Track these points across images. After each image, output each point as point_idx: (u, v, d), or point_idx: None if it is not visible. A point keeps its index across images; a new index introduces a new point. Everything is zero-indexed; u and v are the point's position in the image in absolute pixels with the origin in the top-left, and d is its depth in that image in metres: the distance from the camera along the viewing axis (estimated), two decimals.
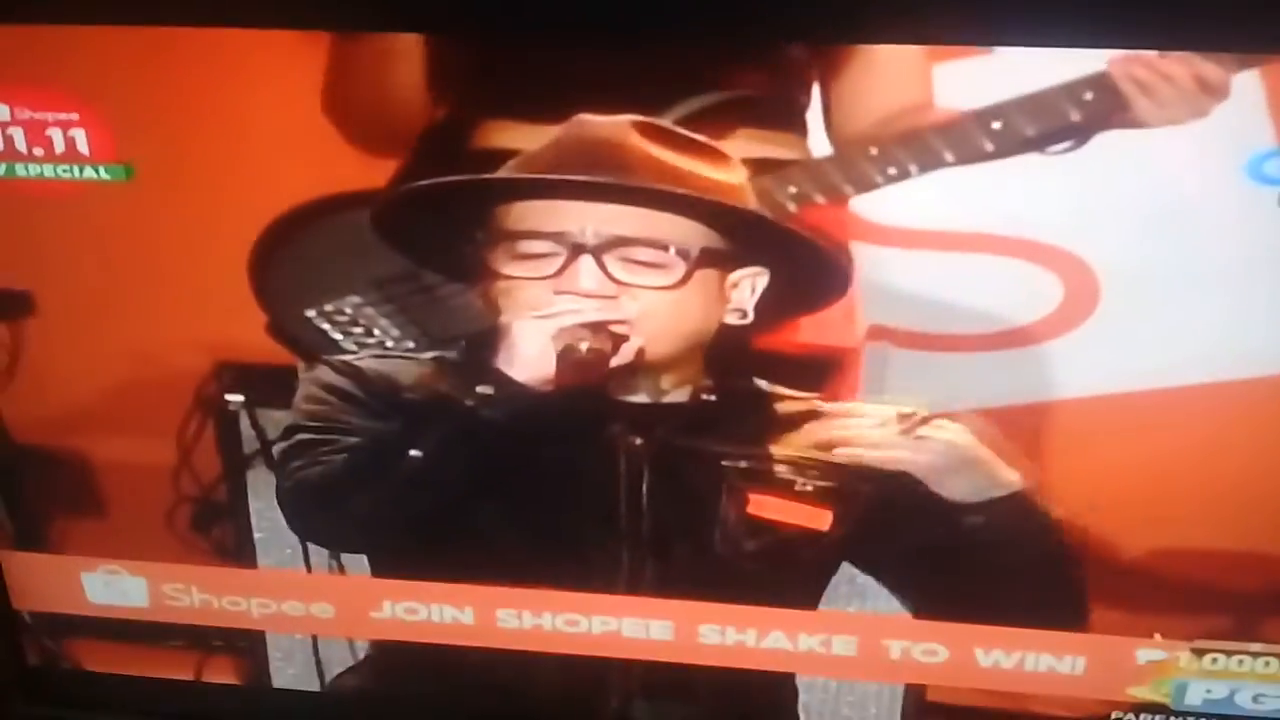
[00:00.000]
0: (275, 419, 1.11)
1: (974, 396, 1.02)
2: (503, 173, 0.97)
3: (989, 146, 0.93)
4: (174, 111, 0.97)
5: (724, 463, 1.03)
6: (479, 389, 0.97)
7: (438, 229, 1.00)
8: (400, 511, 1.03)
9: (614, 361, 0.96)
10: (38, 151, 0.99)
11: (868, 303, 1.01)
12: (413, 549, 1.10)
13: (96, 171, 1.00)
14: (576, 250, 0.95)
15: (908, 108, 0.94)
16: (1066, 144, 0.92)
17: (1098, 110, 0.90)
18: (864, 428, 0.99)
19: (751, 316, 1.01)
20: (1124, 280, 0.97)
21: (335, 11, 0.93)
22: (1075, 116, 0.91)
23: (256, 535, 1.17)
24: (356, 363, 1.05)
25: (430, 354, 1.06)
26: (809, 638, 1.11)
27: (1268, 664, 1.07)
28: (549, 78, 0.96)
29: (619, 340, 0.96)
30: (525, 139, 0.98)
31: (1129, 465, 1.02)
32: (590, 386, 0.98)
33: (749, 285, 1.01)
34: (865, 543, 1.06)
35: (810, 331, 1.03)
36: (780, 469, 1.04)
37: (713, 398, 1.03)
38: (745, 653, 1.11)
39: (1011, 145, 0.93)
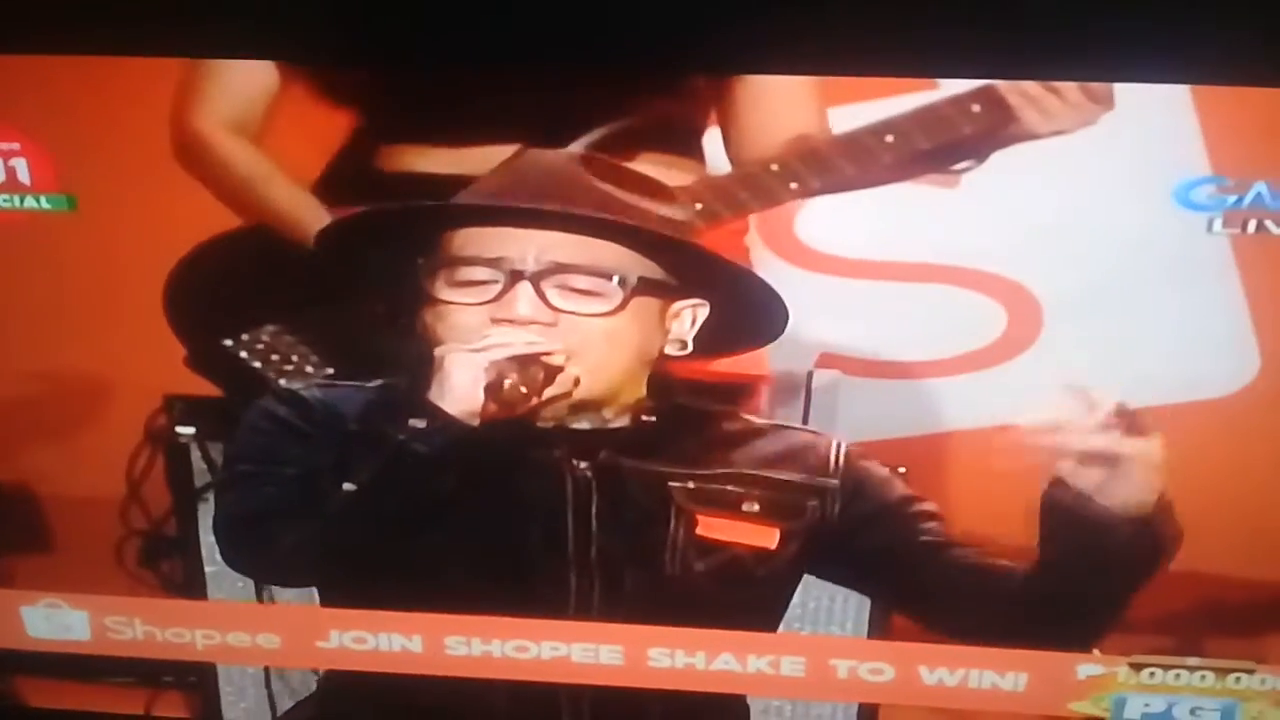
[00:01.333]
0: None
1: (925, 422, 1.04)
2: (451, 199, 0.98)
3: (887, 160, 0.95)
4: (116, 142, 0.98)
5: (670, 484, 1.03)
6: (411, 422, 0.96)
7: (381, 253, 1.00)
8: (337, 544, 1.01)
9: (549, 392, 0.96)
10: None
11: (819, 331, 1.03)
12: (361, 580, 1.09)
13: (38, 201, 1.00)
14: (515, 277, 0.95)
15: (804, 131, 0.97)
16: (968, 162, 0.95)
17: (987, 122, 0.93)
18: (1083, 424, 0.93)
19: (691, 347, 1.02)
20: (1064, 307, 0.99)
21: (277, 44, 0.94)
22: (966, 129, 0.93)
23: (208, 569, 1.16)
24: (302, 392, 1.03)
25: (375, 383, 1.05)
26: (758, 659, 1.11)
27: (1204, 678, 1.10)
28: (466, 106, 0.99)
29: (553, 371, 0.96)
30: (437, 163, 1.01)
31: None
32: (523, 418, 0.97)
33: (689, 316, 1.01)
34: (821, 557, 1.06)
35: (751, 360, 1.06)
36: (727, 488, 1.04)
37: (654, 419, 1.03)
38: (695, 675, 1.12)
39: (911, 161, 0.95)
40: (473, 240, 0.97)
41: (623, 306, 0.97)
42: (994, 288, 1.00)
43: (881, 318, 1.02)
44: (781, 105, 0.96)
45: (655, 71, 0.96)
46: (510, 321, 0.96)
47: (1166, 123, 0.92)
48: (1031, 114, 0.92)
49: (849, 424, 1.05)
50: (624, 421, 1.03)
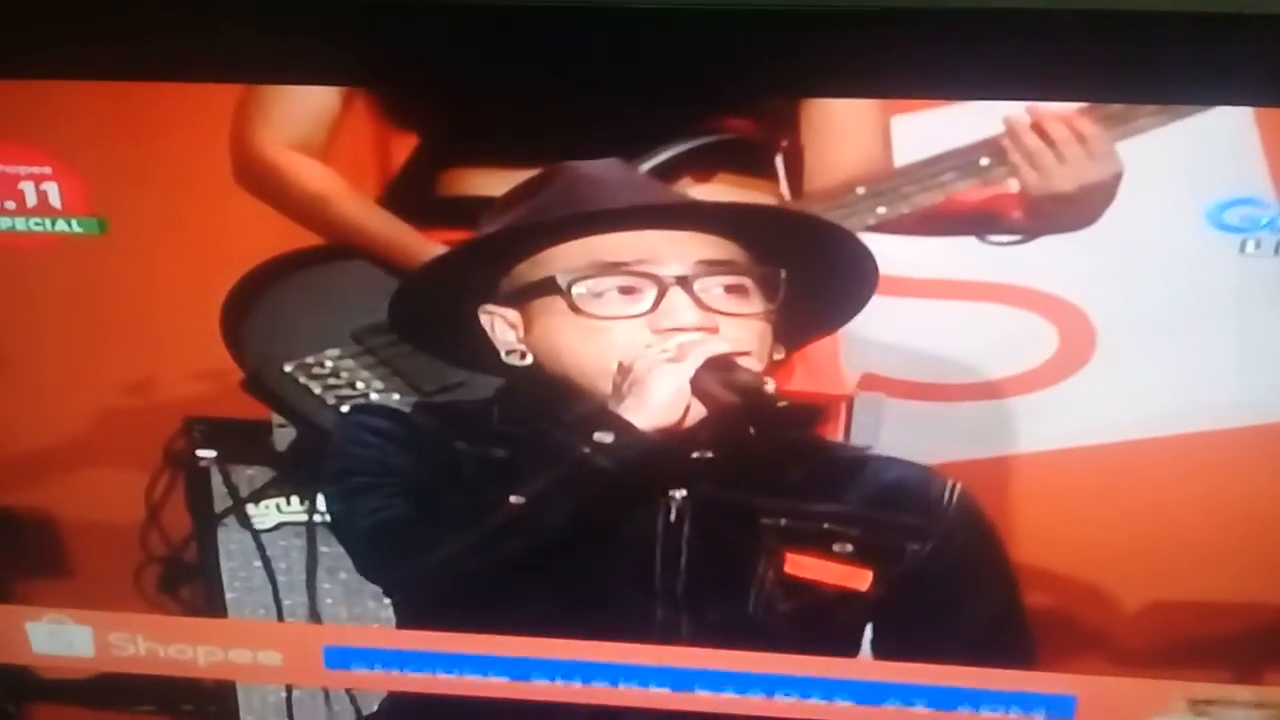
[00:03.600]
0: (248, 475, 1.09)
1: (969, 447, 1.02)
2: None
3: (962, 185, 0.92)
4: (148, 165, 0.95)
5: (763, 519, 0.99)
6: (597, 436, 0.92)
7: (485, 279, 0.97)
8: (489, 557, 0.96)
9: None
10: (9, 205, 0.97)
11: (861, 351, 1.00)
12: (453, 597, 1.04)
13: (69, 225, 0.98)
14: (666, 282, 0.91)
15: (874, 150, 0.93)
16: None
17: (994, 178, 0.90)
18: None
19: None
20: (1120, 326, 0.97)
21: (315, 68, 0.91)
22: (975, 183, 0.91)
23: (228, 596, 1.13)
24: (399, 407, 1.01)
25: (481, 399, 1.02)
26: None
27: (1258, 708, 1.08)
28: (528, 126, 0.94)
29: (745, 372, 0.92)
30: (494, 186, 0.96)
31: (1120, 514, 1.03)
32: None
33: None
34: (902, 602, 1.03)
35: (798, 378, 1.02)
36: (823, 525, 1.00)
37: (752, 448, 0.98)
38: (779, 705, 1.09)
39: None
40: (608, 249, 0.92)
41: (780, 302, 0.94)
42: (1045, 306, 0.98)
43: (927, 337, 0.99)
44: (853, 123, 0.93)
45: (725, 96, 0.93)
46: (678, 330, 0.92)
47: (1228, 143, 0.90)
48: (1029, 173, 0.88)
49: (892, 449, 1.03)
50: (721, 449, 0.99)
